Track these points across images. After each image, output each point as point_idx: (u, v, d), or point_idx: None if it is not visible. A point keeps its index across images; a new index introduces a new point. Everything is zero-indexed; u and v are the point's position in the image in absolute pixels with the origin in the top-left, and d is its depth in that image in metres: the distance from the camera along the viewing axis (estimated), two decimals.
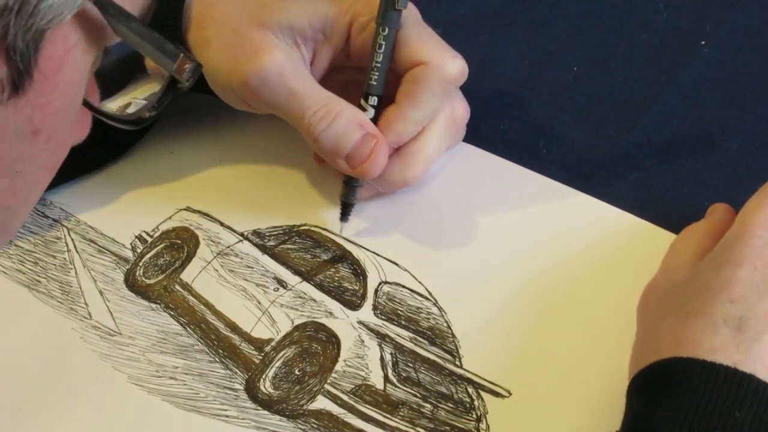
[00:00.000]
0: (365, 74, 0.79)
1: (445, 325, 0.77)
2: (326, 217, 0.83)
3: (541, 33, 0.92)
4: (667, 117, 0.86)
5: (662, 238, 0.78)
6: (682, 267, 0.71)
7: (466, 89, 0.83)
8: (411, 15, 0.80)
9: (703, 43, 0.89)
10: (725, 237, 0.70)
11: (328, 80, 0.82)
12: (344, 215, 0.82)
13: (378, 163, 0.78)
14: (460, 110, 0.82)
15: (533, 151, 0.85)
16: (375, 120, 0.80)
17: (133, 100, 0.83)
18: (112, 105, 0.84)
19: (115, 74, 0.84)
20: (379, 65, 0.79)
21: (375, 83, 0.79)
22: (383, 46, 0.78)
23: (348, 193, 0.81)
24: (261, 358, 0.77)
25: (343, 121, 0.78)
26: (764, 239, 0.68)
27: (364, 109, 0.79)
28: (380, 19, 0.78)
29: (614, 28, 0.91)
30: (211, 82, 0.81)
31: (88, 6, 0.50)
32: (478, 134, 0.85)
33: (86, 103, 0.58)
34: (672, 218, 0.79)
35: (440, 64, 0.78)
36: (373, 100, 0.80)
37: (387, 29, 0.78)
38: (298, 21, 0.79)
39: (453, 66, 0.78)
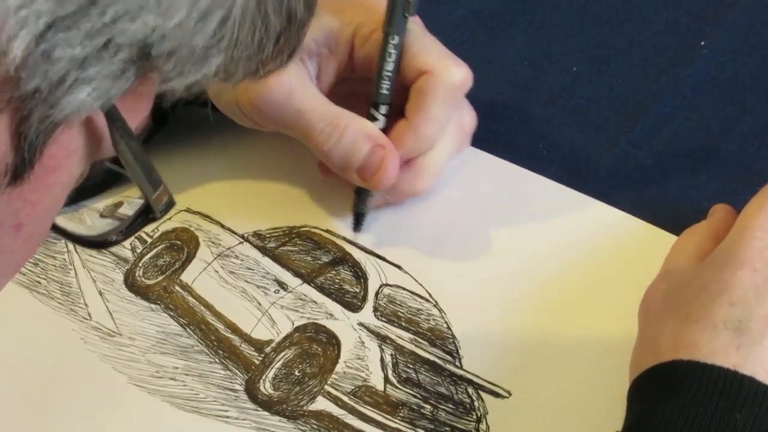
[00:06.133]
0: (372, 84, 0.79)
1: (445, 326, 0.77)
2: (327, 219, 0.83)
3: (540, 34, 0.92)
4: (666, 117, 0.86)
5: (662, 239, 0.78)
6: (682, 269, 0.72)
7: None
8: (415, 23, 0.79)
9: (703, 43, 0.89)
10: (726, 239, 0.70)
11: (332, 93, 0.81)
12: (357, 225, 0.82)
13: (389, 173, 0.78)
14: (467, 118, 0.82)
15: (533, 152, 0.85)
16: (386, 129, 0.79)
17: (125, 199, 0.82)
18: (100, 205, 0.83)
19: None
20: (389, 74, 0.78)
21: (385, 92, 0.79)
22: (392, 55, 0.78)
23: (360, 203, 0.81)
24: (261, 359, 0.77)
25: (351, 134, 0.78)
26: (765, 241, 0.68)
27: (374, 119, 0.79)
28: (389, 27, 0.78)
29: (614, 28, 0.91)
30: (215, 99, 0.81)
31: (98, 116, 0.51)
32: (477, 135, 0.85)
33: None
34: (672, 219, 0.79)
35: (444, 71, 0.78)
36: (384, 109, 0.79)
37: (396, 37, 0.78)
38: None
39: (457, 73, 0.78)
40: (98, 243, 0.62)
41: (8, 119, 0.48)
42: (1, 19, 0.45)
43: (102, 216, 0.82)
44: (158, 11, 0.48)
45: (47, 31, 0.46)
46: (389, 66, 0.78)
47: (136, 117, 0.54)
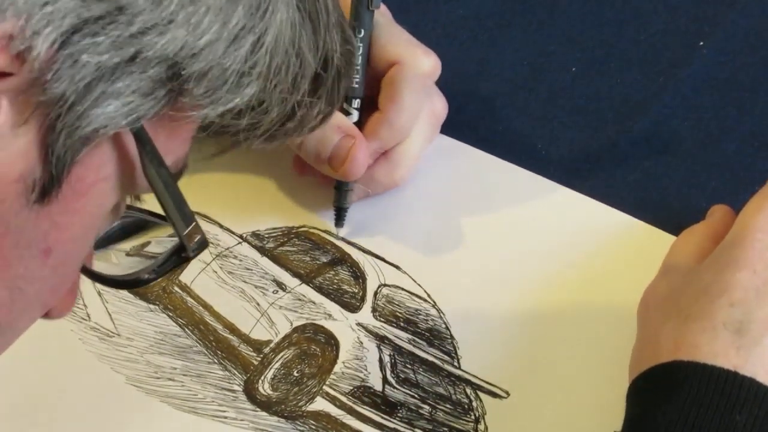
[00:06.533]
0: None
1: (443, 326, 0.77)
2: (326, 220, 0.83)
3: (539, 34, 0.92)
4: (665, 117, 0.86)
5: (661, 239, 0.78)
6: (681, 269, 0.71)
7: (465, 90, 0.83)
8: (381, 15, 0.80)
9: (702, 43, 0.89)
10: (725, 240, 0.70)
11: None
12: (339, 220, 0.82)
13: (357, 162, 0.78)
14: (438, 106, 0.82)
15: (532, 152, 0.85)
16: (360, 122, 0.80)
17: (153, 238, 0.82)
18: (127, 245, 0.83)
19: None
20: (358, 67, 0.79)
21: (356, 86, 0.79)
22: (360, 48, 0.79)
23: (340, 198, 0.81)
24: (260, 359, 0.77)
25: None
26: (764, 242, 0.68)
27: (347, 113, 0.80)
28: (354, 21, 0.78)
29: (613, 28, 0.91)
30: None
31: (129, 142, 0.51)
32: (476, 135, 0.85)
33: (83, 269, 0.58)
34: (671, 219, 0.79)
35: (413, 61, 0.79)
36: (356, 102, 0.80)
37: (363, 31, 0.78)
38: None
39: (426, 62, 0.79)
40: (129, 283, 0.62)
41: (35, 128, 0.48)
42: (25, 13, 0.45)
43: (128, 254, 0.82)
44: (188, 27, 0.48)
45: (73, 34, 0.46)
46: (358, 60, 0.79)
47: (170, 155, 0.54)
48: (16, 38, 0.46)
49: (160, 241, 0.81)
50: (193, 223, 0.56)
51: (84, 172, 0.51)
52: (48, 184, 0.49)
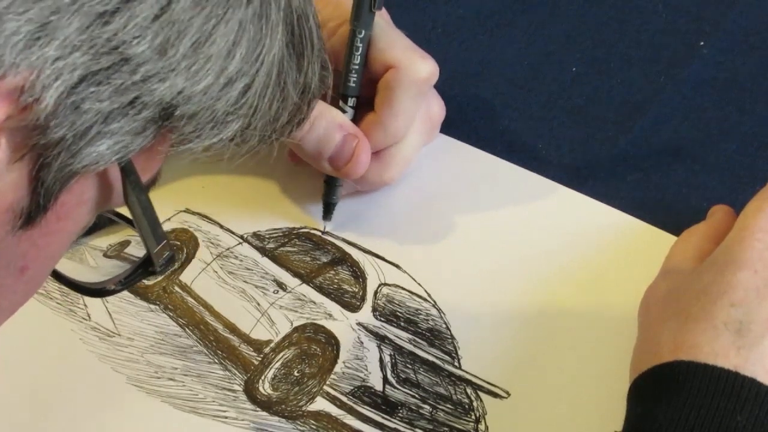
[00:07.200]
0: (340, 77, 0.79)
1: (444, 326, 0.77)
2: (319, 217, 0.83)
3: (540, 34, 0.92)
4: (665, 118, 0.86)
5: (662, 239, 0.78)
6: (682, 270, 0.72)
7: (465, 90, 0.83)
8: (381, 17, 0.80)
9: (702, 43, 0.89)
10: (726, 240, 0.70)
11: None
12: (327, 214, 0.82)
13: (361, 162, 0.79)
14: (435, 109, 0.82)
15: (532, 152, 0.85)
16: (354, 121, 0.80)
17: (131, 237, 0.82)
18: (101, 243, 0.83)
19: None
20: (356, 67, 0.79)
21: (353, 85, 0.80)
22: (360, 48, 0.79)
23: (330, 193, 0.82)
24: (260, 359, 0.77)
25: (324, 124, 0.78)
26: (765, 243, 0.68)
27: (342, 111, 0.80)
28: (356, 21, 0.78)
29: (613, 28, 0.91)
30: None
31: (113, 168, 0.53)
32: (477, 135, 0.85)
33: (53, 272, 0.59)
34: (671, 219, 0.79)
35: (410, 66, 0.78)
36: (352, 101, 0.80)
37: (363, 31, 0.78)
38: None
39: (423, 68, 0.79)
40: (96, 291, 0.63)
41: (29, 164, 0.49)
42: (38, 68, 0.46)
43: (106, 256, 0.82)
44: (187, 74, 0.49)
45: (79, 84, 0.47)
46: (356, 60, 0.79)
47: (146, 174, 0.55)
48: (26, 92, 0.46)
49: (140, 242, 0.81)
50: (164, 241, 0.57)
51: (68, 198, 0.51)
52: (34, 212, 0.50)
